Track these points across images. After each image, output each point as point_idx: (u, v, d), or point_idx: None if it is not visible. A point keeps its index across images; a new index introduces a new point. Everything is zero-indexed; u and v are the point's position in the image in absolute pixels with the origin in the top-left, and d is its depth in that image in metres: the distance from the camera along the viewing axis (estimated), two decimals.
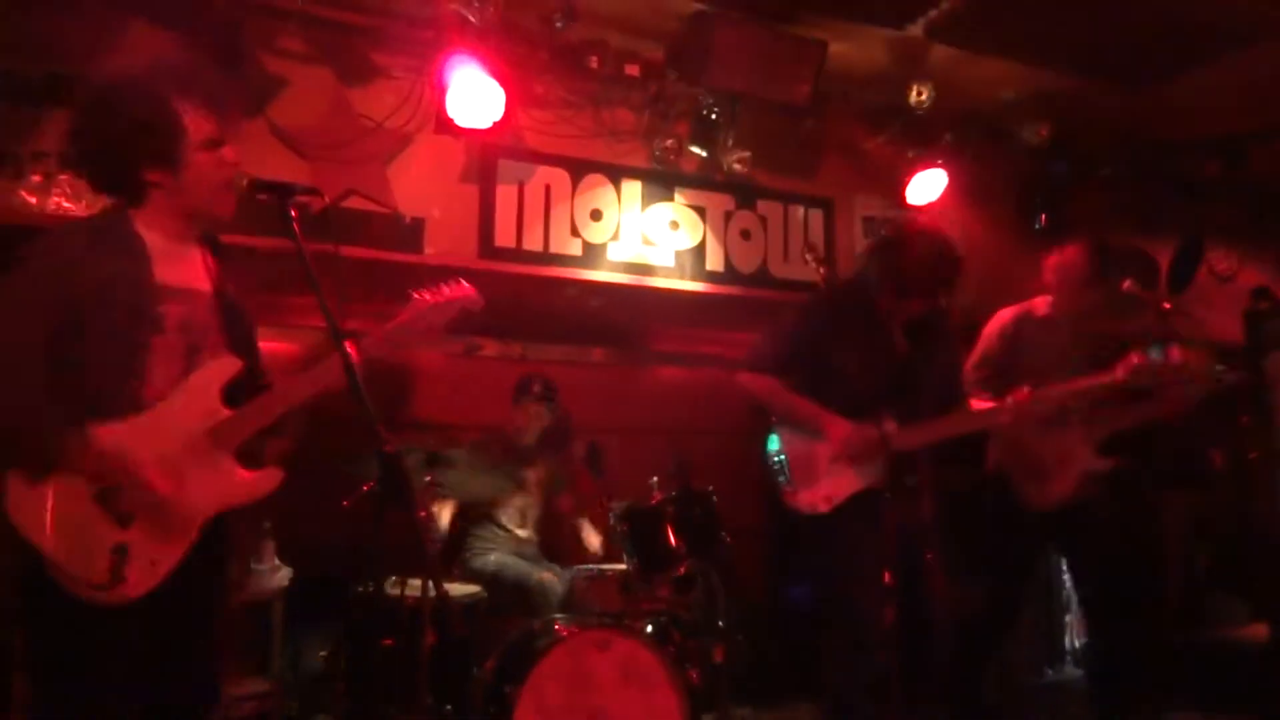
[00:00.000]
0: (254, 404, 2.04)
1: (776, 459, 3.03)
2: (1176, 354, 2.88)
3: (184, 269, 2.04)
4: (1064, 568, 5.00)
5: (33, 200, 3.39)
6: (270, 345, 4.38)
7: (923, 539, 2.49)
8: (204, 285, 2.08)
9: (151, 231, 1.99)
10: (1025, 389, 2.93)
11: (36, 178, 3.40)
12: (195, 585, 1.97)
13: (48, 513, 1.82)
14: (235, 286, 2.17)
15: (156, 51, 2.08)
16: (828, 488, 2.90)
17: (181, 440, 1.94)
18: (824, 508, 2.89)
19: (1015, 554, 3.54)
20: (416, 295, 2.17)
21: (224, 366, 2.04)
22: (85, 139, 1.98)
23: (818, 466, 2.92)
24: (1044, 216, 5.10)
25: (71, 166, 2.04)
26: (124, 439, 1.87)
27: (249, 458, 2.06)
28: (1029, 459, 3.43)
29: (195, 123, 1.97)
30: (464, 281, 2.22)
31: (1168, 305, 3.37)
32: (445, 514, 3.87)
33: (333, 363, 1.97)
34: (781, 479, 3.00)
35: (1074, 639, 5.07)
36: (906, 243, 2.95)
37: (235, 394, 2.04)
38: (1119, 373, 2.96)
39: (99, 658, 1.84)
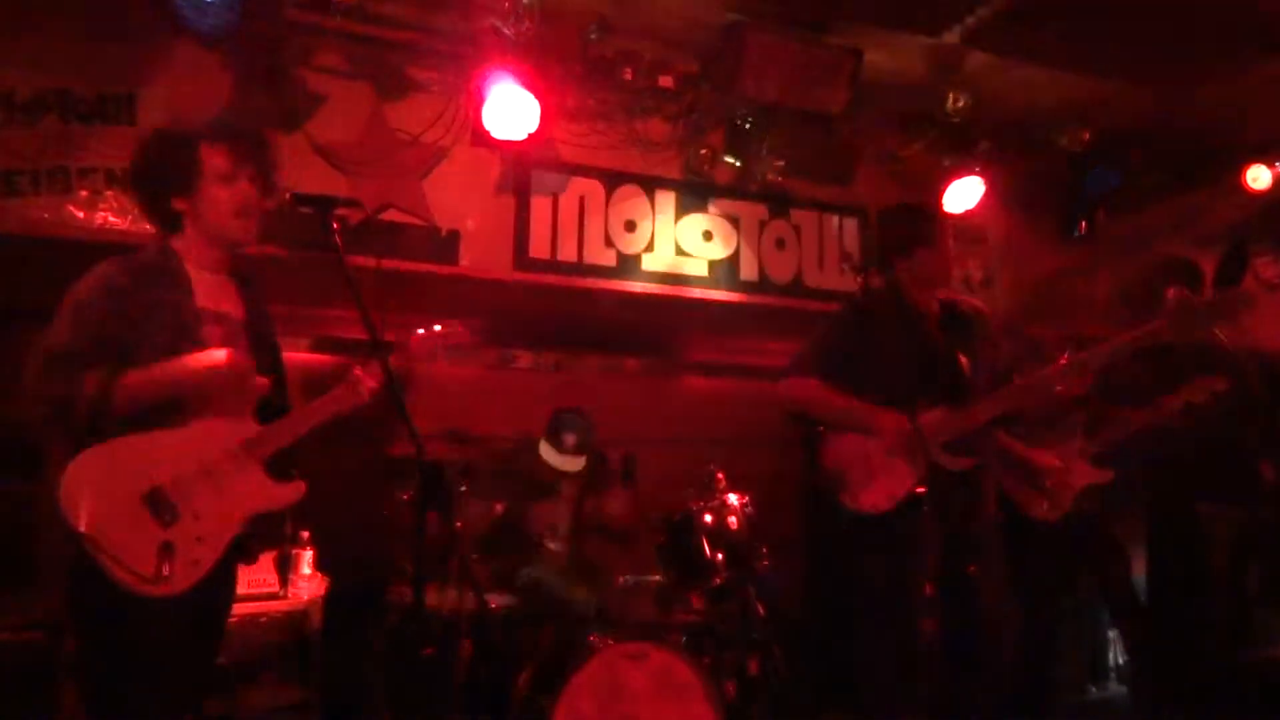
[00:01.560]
0: (282, 421, 2.23)
1: (832, 467, 2.97)
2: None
3: (220, 295, 2.25)
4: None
5: (80, 215, 3.48)
6: (308, 356, 4.46)
7: (978, 543, 2.44)
8: (238, 311, 2.29)
9: (190, 261, 2.21)
10: (1065, 355, 2.88)
11: (84, 193, 3.48)
12: (218, 587, 2.16)
13: (104, 510, 1.97)
14: (263, 311, 2.38)
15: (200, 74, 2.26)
16: (887, 485, 2.86)
17: (220, 450, 2.13)
18: (886, 505, 2.84)
19: (1040, 572, 3.49)
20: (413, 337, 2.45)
21: (257, 385, 2.22)
22: (133, 175, 2.27)
23: (872, 463, 2.88)
24: (1083, 224, 5.02)
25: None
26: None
27: (276, 470, 2.24)
28: (1026, 474, 3.38)
29: (210, 159, 2.20)
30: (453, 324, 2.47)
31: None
32: (480, 525, 3.87)
33: (357, 380, 2.24)
34: (837, 486, 2.94)
35: (1117, 655, 4.95)
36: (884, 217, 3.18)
37: (264, 411, 2.24)
38: (1162, 322, 2.88)
39: (140, 643, 1.99)
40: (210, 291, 2.22)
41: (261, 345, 2.31)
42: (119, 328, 2.06)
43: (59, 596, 2.09)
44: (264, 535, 2.41)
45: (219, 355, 2.07)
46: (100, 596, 1.97)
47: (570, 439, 4.01)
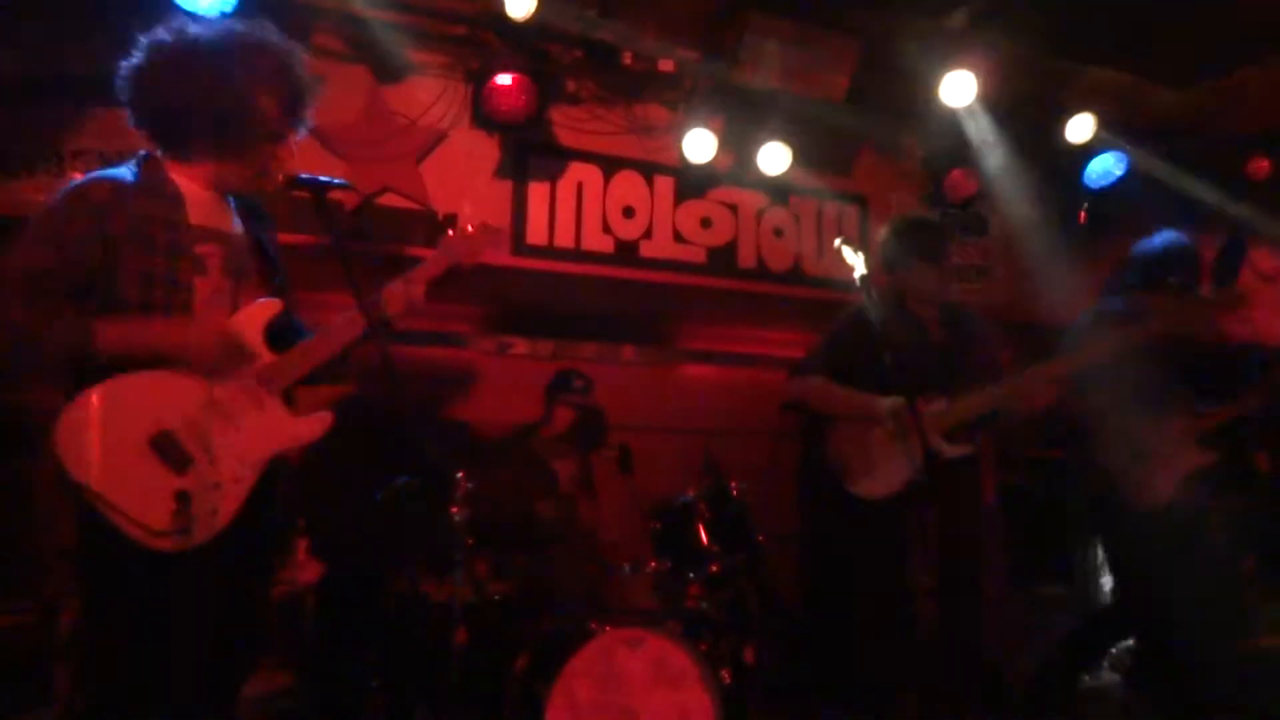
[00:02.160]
0: (297, 349, 2.04)
1: (835, 455, 3.09)
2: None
3: (217, 214, 2.06)
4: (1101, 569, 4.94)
5: None
6: None
7: (976, 530, 2.46)
8: (239, 228, 2.10)
9: (185, 179, 2.02)
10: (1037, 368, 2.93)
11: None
12: (248, 538, 1.96)
13: (106, 458, 1.80)
14: (267, 230, 2.19)
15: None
16: (886, 473, 2.98)
17: (234, 385, 1.95)
18: (885, 492, 2.96)
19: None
20: (448, 232, 2.34)
21: (265, 308, 2.05)
22: (162, 88, 1.96)
23: (873, 451, 3.01)
24: (1084, 214, 5.00)
25: (124, 94, 2.00)
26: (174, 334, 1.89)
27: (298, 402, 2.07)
28: (1134, 453, 3.28)
29: (269, 110, 2.00)
30: (489, 225, 2.38)
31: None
32: (476, 511, 3.86)
33: (371, 307, 2.02)
34: (840, 472, 3.06)
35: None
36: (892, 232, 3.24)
37: (277, 338, 2.05)
38: (1153, 323, 2.94)
39: (156, 605, 1.81)
40: (205, 209, 2.02)
41: (269, 266, 2.13)
42: (100, 249, 1.86)
43: (58, 570, 1.97)
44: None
45: (200, 334, 1.90)
46: (110, 557, 1.80)
47: (578, 381, 4.04)
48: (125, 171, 2.00)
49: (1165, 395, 3.37)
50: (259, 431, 1.96)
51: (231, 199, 2.13)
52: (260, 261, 2.11)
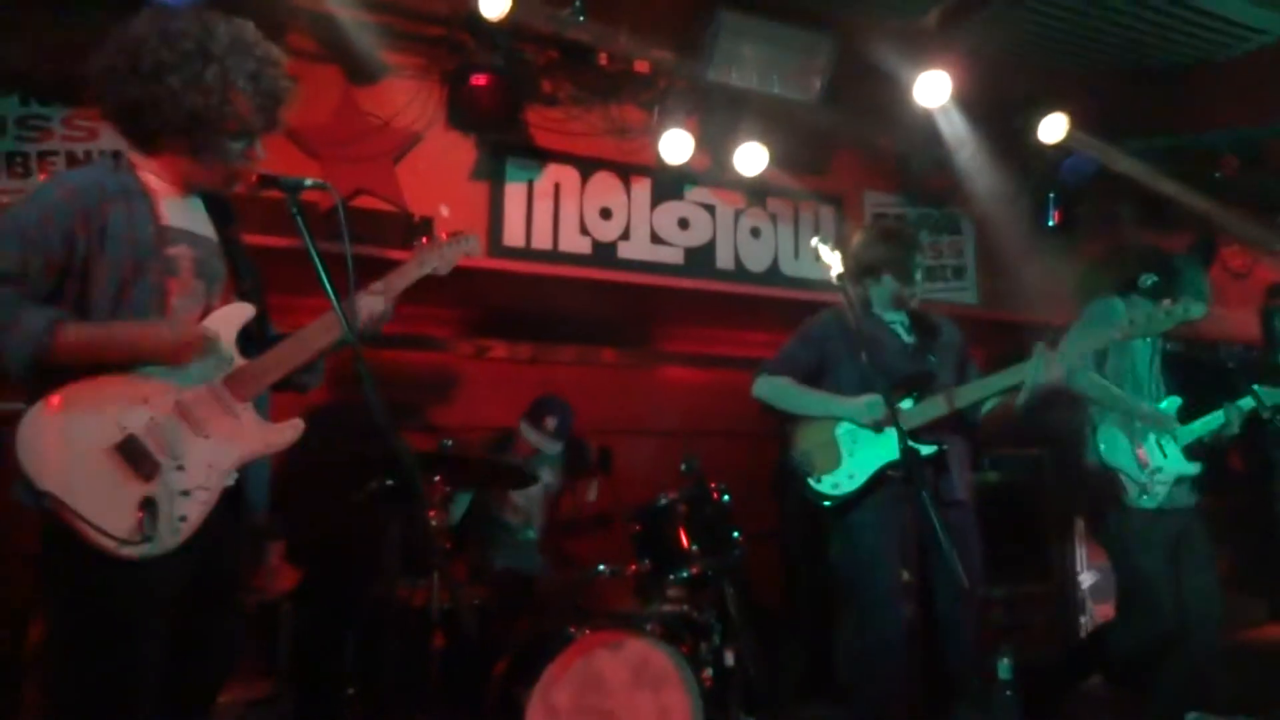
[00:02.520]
0: (269, 354, 2.00)
1: (801, 455, 3.07)
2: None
3: (189, 215, 2.02)
4: (1079, 567, 4.98)
5: None
6: None
7: (949, 524, 2.44)
8: (209, 232, 2.06)
9: (155, 180, 1.98)
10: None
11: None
12: (219, 546, 1.92)
13: (69, 464, 1.74)
14: (237, 234, 2.14)
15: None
16: (850, 466, 2.98)
17: (200, 387, 1.90)
18: (848, 485, 2.96)
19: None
20: (421, 240, 2.29)
21: (236, 312, 2.01)
22: (133, 83, 1.90)
23: (838, 448, 3.01)
24: (1058, 214, 5.05)
25: (98, 87, 1.94)
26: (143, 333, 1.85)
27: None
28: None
29: (243, 112, 1.95)
30: (465, 232, 2.35)
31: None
32: (454, 515, 3.84)
33: (348, 313, 1.97)
34: (807, 472, 3.05)
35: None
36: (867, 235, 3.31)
37: (248, 343, 2.01)
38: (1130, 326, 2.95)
39: (124, 616, 1.77)
40: (176, 210, 1.99)
41: (242, 269, 2.09)
42: (68, 249, 1.81)
43: (25, 579, 1.90)
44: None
45: (178, 332, 1.85)
46: (74, 566, 1.75)
47: (551, 422, 4.00)
48: (95, 172, 1.96)
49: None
50: (229, 437, 1.92)
51: (201, 199, 2.09)
52: (231, 264, 2.08)
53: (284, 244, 3.02)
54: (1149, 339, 3.56)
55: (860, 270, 3.20)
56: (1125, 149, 5.04)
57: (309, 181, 2.08)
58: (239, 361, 1.97)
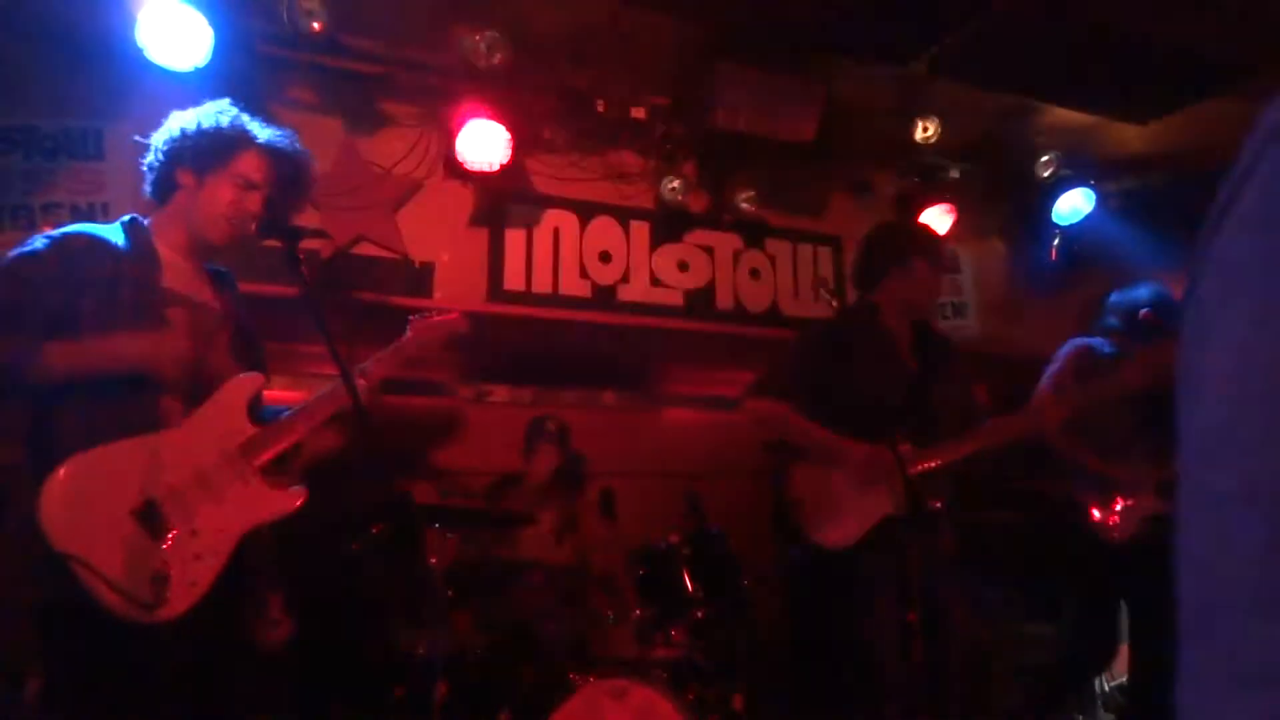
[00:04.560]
0: (281, 422, 2.06)
1: (797, 499, 2.97)
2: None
3: (191, 281, 2.10)
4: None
5: None
6: (282, 394, 4.39)
7: (942, 573, 2.40)
8: (211, 301, 2.13)
9: (164, 244, 2.06)
10: (1047, 394, 2.87)
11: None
12: (225, 608, 1.95)
13: (91, 527, 1.77)
14: (242, 307, 2.23)
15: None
16: (851, 518, 2.84)
17: (216, 454, 1.95)
18: (850, 541, 2.81)
19: (1101, 588, 3.51)
20: (413, 320, 2.37)
21: (250, 381, 2.08)
22: (166, 139, 2.10)
23: (839, 498, 2.86)
24: (1055, 251, 5.07)
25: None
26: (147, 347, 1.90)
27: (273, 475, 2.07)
28: (1100, 492, 3.42)
29: (248, 161, 2.08)
30: (455, 312, 2.44)
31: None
32: (455, 562, 3.80)
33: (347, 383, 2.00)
34: (805, 517, 2.93)
35: (1104, 683, 4.92)
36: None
37: (259, 412, 2.08)
38: (1129, 372, 2.85)
39: (126, 674, 1.79)
40: (181, 275, 2.06)
41: (245, 341, 2.17)
42: (64, 296, 1.86)
43: (21, 635, 1.87)
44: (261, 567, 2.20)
45: (172, 346, 1.90)
46: (77, 628, 1.76)
47: (550, 425, 4.00)
48: (110, 231, 2.03)
49: (1134, 440, 3.48)
50: (240, 504, 1.96)
51: (208, 269, 2.17)
52: (233, 334, 2.14)
53: (282, 292, 3.06)
54: None
55: (889, 257, 2.97)
56: (1120, 185, 5.10)
57: (309, 229, 2.13)
58: (250, 429, 2.02)
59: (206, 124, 2.06)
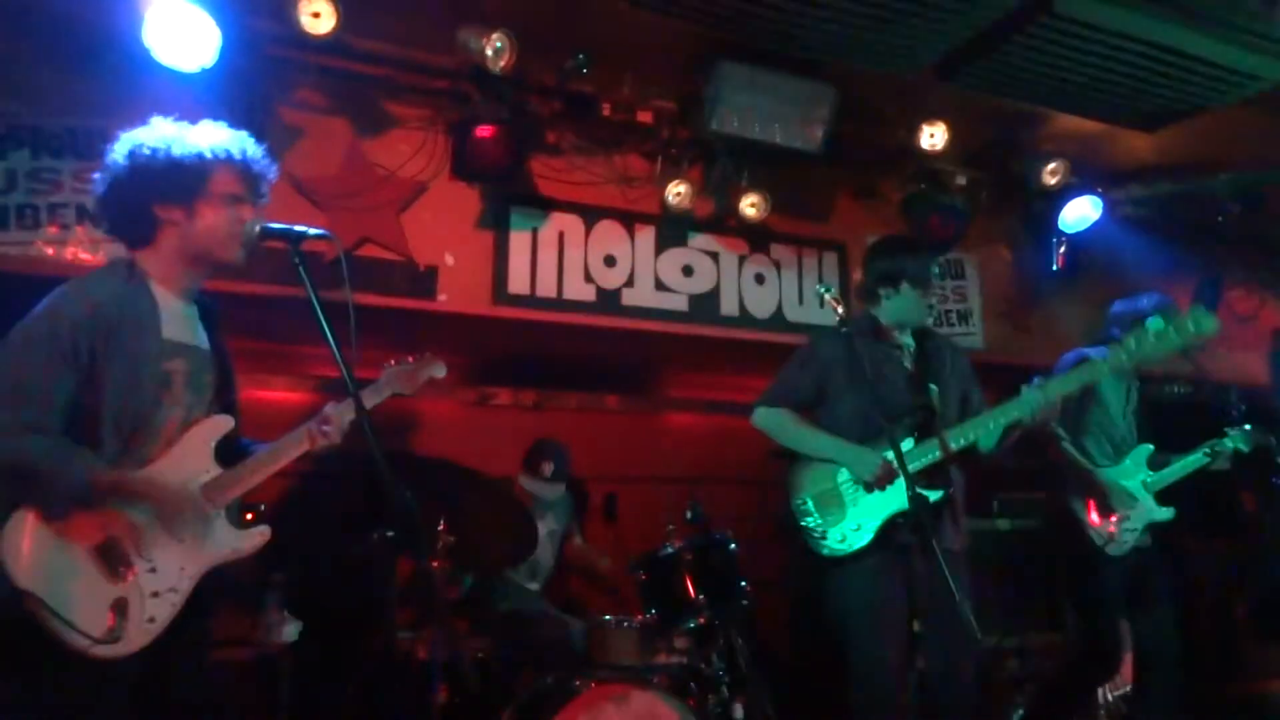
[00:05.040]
0: (245, 465, 2.10)
1: (802, 503, 2.99)
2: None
3: (185, 326, 2.13)
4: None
5: (50, 251, 3.42)
6: (283, 395, 4.39)
7: (948, 578, 2.38)
8: (203, 343, 2.17)
9: (157, 283, 2.07)
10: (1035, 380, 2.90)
11: (53, 229, 3.43)
12: (182, 642, 1.98)
13: (49, 563, 1.81)
14: (223, 341, 2.25)
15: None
16: (856, 516, 2.90)
17: (179, 496, 1.99)
18: (855, 540, 2.88)
19: (1101, 596, 3.51)
20: (389, 364, 2.41)
21: (217, 424, 2.12)
22: (118, 177, 2.06)
23: (842, 496, 2.93)
24: (1061, 258, 5.06)
25: (94, 207, 2.15)
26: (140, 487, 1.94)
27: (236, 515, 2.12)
28: (1100, 502, 3.46)
29: (222, 178, 2.08)
30: (429, 355, 2.46)
31: None
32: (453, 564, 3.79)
33: (325, 419, 2.13)
34: (811, 521, 2.96)
35: (1106, 693, 4.90)
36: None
37: (225, 452, 2.11)
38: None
39: (83, 711, 1.82)
40: (177, 321, 2.09)
41: (224, 380, 2.21)
42: (74, 369, 1.90)
43: None
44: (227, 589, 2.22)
45: (179, 496, 1.97)
46: (31, 663, 1.79)
47: (547, 467, 3.97)
48: (110, 279, 2.04)
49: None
50: (201, 544, 2.01)
51: (197, 308, 2.18)
52: (216, 375, 2.18)
53: (283, 292, 3.06)
54: (1122, 385, 3.60)
55: (879, 279, 3.08)
56: (1127, 193, 5.09)
57: (312, 231, 2.12)
58: (215, 471, 2.07)
59: (175, 154, 2.04)
